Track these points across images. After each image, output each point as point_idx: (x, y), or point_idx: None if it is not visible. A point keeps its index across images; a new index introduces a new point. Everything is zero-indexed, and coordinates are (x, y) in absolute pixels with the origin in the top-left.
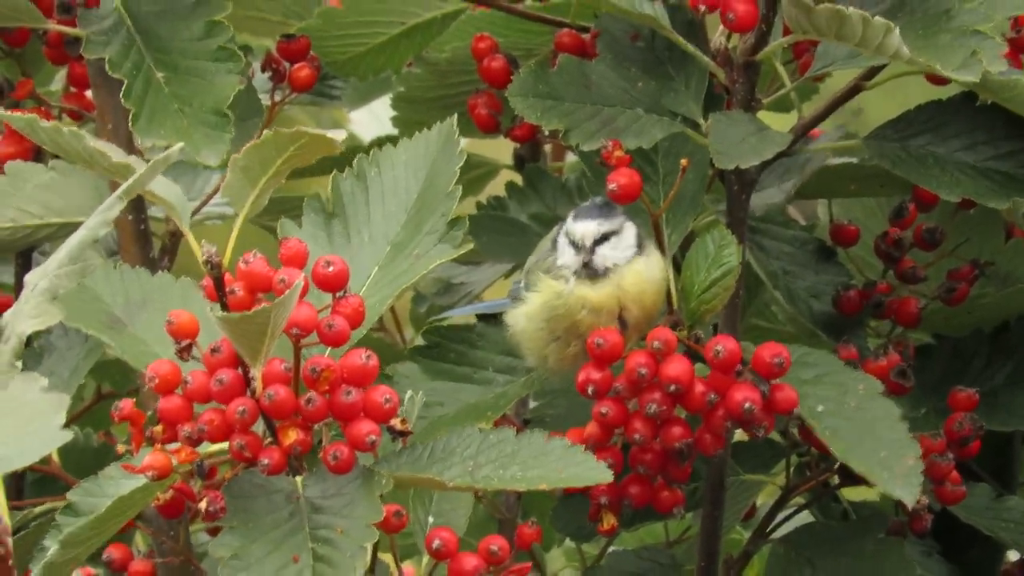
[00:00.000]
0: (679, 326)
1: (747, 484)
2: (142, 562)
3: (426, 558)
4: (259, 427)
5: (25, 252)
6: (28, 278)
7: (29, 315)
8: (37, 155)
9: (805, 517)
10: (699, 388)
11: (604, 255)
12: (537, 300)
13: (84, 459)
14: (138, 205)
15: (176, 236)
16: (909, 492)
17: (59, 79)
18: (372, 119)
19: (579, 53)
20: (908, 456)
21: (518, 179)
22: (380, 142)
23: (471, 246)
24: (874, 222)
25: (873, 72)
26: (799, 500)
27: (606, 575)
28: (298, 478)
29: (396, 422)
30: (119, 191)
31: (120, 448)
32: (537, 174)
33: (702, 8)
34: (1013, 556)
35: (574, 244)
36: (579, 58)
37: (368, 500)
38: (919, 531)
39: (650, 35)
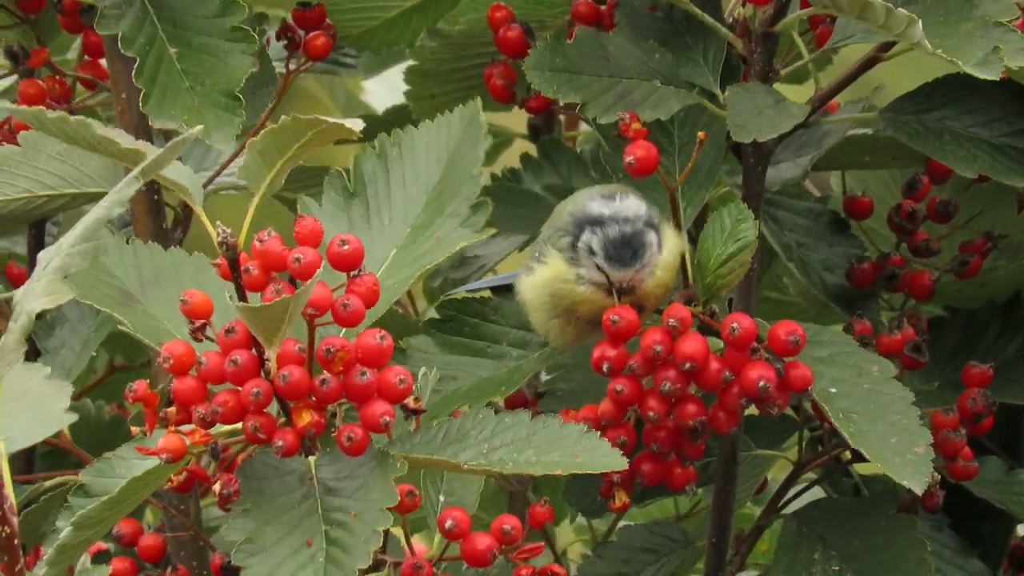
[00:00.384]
0: (694, 301)
1: (759, 459)
2: (152, 536)
3: (438, 537)
4: (273, 408)
5: (39, 223)
6: (41, 256)
7: (41, 293)
8: None
9: (817, 492)
10: (714, 366)
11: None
12: (544, 274)
13: (97, 432)
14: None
15: (189, 208)
16: (918, 481)
17: (75, 48)
18: (386, 88)
19: (596, 24)
20: (919, 444)
21: (533, 149)
22: (395, 112)
23: (493, 231)
24: (888, 195)
25: (891, 43)
26: (811, 475)
27: (616, 550)
28: (311, 459)
29: (409, 400)
30: (135, 172)
31: (134, 430)
32: (552, 145)
33: None
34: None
35: (608, 280)
36: (596, 29)
37: (382, 484)
38: (931, 508)
39: (668, 5)
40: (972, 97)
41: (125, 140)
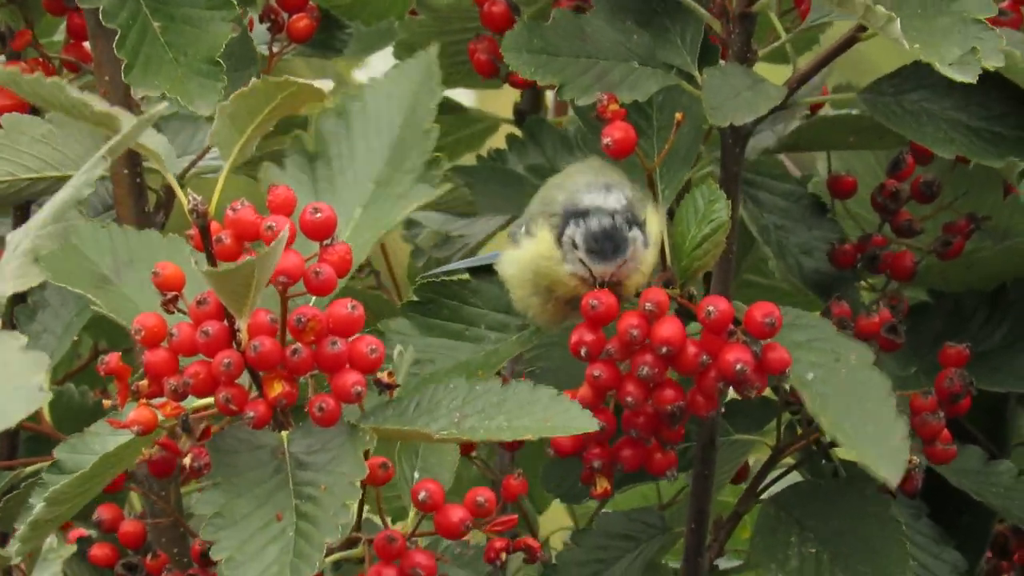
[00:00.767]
0: (671, 284)
1: (738, 444)
2: (132, 523)
3: (412, 511)
4: (245, 380)
5: (23, 206)
6: (10, 237)
7: (11, 276)
8: (35, 107)
9: (796, 477)
10: (691, 350)
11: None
12: (530, 250)
13: (80, 416)
14: (133, 159)
15: (171, 190)
16: (894, 472)
17: (62, 30)
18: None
19: (575, 4)
20: (895, 434)
21: (519, 133)
22: None
23: (449, 186)
24: (872, 178)
25: None
26: (790, 460)
27: (595, 537)
28: (284, 433)
29: (383, 375)
30: (103, 150)
31: (106, 403)
32: (538, 125)
33: None
34: None
35: (589, 274)
36: (574, 11)
37: (352, 457)
38: (910, 491)
39: None
40: (950, 81)
41: (98, 103)
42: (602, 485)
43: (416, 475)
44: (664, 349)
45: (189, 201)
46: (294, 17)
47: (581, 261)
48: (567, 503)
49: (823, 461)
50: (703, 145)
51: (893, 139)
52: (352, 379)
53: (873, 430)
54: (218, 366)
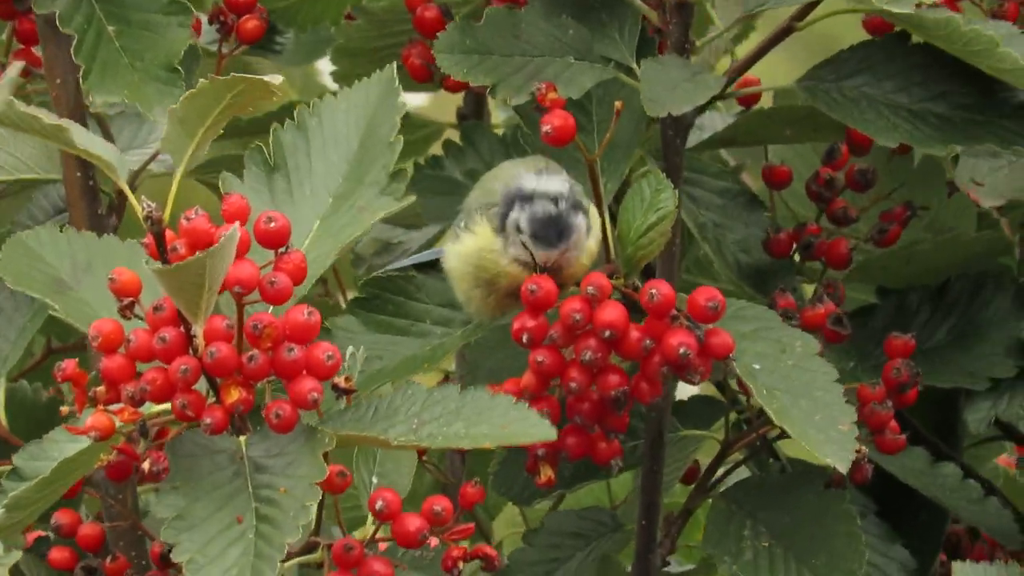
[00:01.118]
0: (616, 274)
1: (687, 440)
2: (91, 526)
3: (370, 519)
4: (203, 386)
5: None
6: None
7: None
8: None
9: (745, 472)
10: (634, 334)
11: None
12: (470, 243)
13: (34, 414)
14: (86, 163)
15: (123, 194)
16: (842, 458)
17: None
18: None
19: (509, 2)
20: (843, 421)
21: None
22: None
23: (413, 198)
24: (809, 171)
25: (807, 11)
26: (737, 456)
27: (546, 536)
28: (242, 438)
29: (340, 380)
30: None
31: (64, 409)
32: (474, 130)
33: None
34: None
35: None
36: (508, 7)
37: (311, 459)
38: (859, 481)
39: None
40: (889, 63)
41: (49, 118)
42: (546, 473)
43: (374, 480)
44: (607, 333)
45: (143, 208)
46: (243, 19)
47: (524, 245)
48: (519, 505)
49: (771, 459)
50: (640, 147)
51: (830, 131)
52: (308, 386)
53: (820, 419)
54: (175, 372)
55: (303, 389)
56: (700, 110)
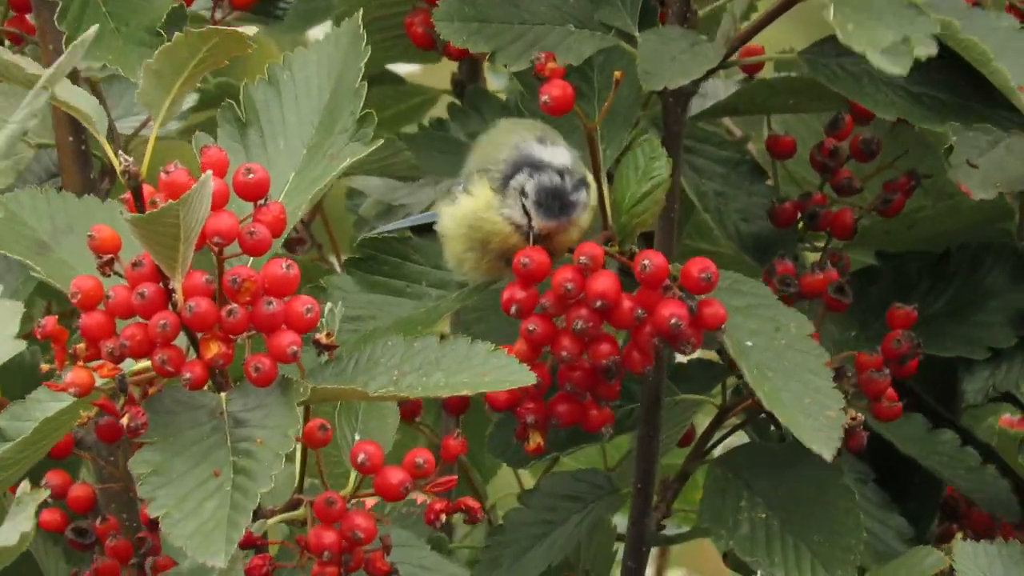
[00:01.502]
0: (612, 241)
1: (684, 404)
2: (81, 487)
3: (352, 473)
4: (182, 342)
5: None
6: None
7: None
8: None
9: (742, 437)
10: (626, 304)
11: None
12: (467, 205)
13: (31, 376)
14: (77, 126)
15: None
16: (828, 446)
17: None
18: None
19: None
20: (831, 407)
21: (459, 103)
22: None
23: (381, 142)
24: (814, 140)
25: None
26: (735, 420)
27: (541, 498)
28: (222, 394)
29: (322, 336)
30: (42, 80)
31: (44, 367)
32: (479, 95)
33: None
34: None
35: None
36: None
37: (286, 409)
38: (855, 448)
39: None
40: None
41: (31, 67)
42: (535, 440)
43: (357, 436)
44: (599, 303)
45: (121, 163)
46: None
47: (524, 209)
48: (513, 467)
49: (770, 427)
50: (642, 110)
51: (833, 101)
52: (288, 339)
53: (810, 402)
54: (154, 328)
55: (282, 343)
56: (702, 78)
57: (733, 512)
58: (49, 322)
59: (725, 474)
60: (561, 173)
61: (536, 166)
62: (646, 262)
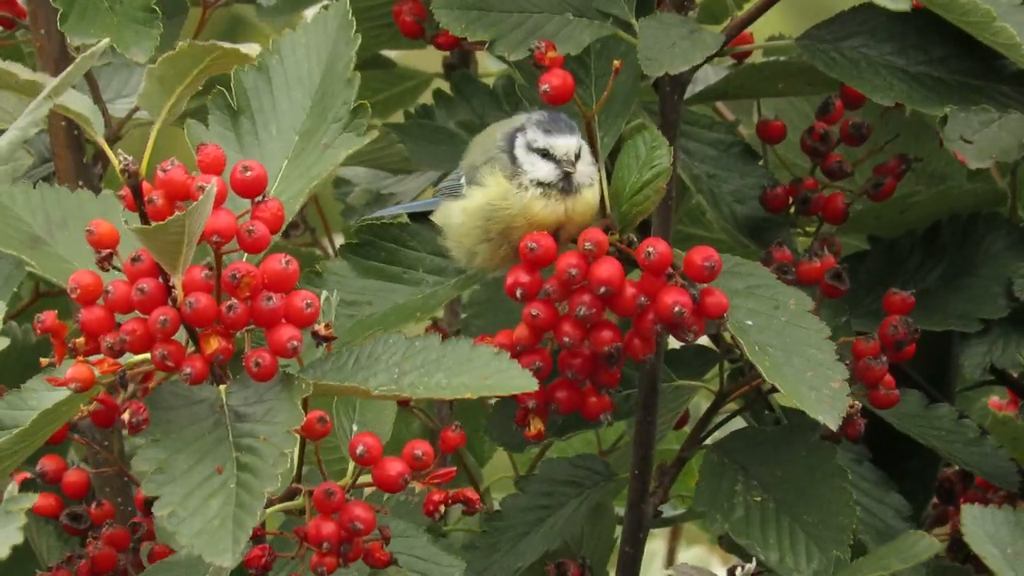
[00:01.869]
0: (611, 230)
1: (681, 390)
2: (76, 472)
3: (351, 465)
4: (182, 336)
5: None
6: None
7: None
8: None
9: (739, 423)
10: (630, 291)
11: (581, 171)
12: (481, 197)
13: (24, 354)
14: None
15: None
16: (833, 416)
17: None
18: None
19: None
20: (834, 379)
21: (447, 88)
22: None
23: (376, 134)
24: (803, 122)
25: None
26: (733, 406)
27: (539, 484)
28: (221, 387)
29: (320, 327)
30: (47, 90)
31: (43, 361)
32: (464, 80)
33: None
34: None
35: (553, 158)
36: None
37: (289, 406)
38: (852, 436)
39: None
40: (889, 25)
41: (25, 73)
42: (536, 426)
43: (355, 428)
44: (602, 289)
45: (120, 161)
46: None
47: (540, 150)
48: (510, 451)
49: (765, 411)
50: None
51: (823, 85)
52: (288, 334)
53: (812, 375)
54: (154, 323)
55: (282, 337)
56: (697, 66)
57: (728, 496)
58: (48, 317)
59: (721, 458)
60: (563, 128)
61: (523, 127)
62: (651, 249)
